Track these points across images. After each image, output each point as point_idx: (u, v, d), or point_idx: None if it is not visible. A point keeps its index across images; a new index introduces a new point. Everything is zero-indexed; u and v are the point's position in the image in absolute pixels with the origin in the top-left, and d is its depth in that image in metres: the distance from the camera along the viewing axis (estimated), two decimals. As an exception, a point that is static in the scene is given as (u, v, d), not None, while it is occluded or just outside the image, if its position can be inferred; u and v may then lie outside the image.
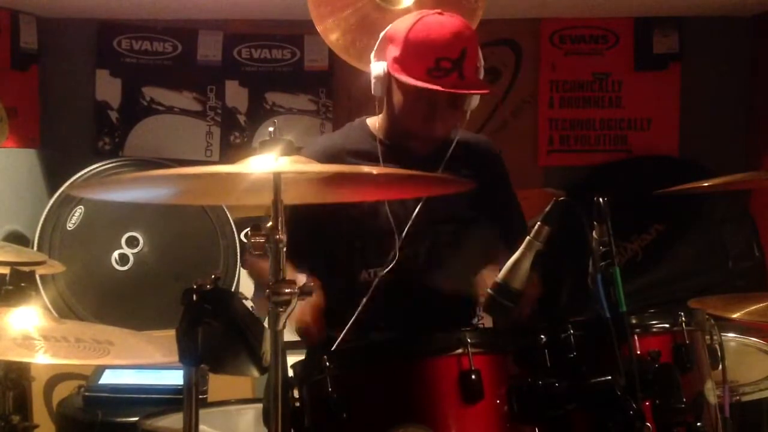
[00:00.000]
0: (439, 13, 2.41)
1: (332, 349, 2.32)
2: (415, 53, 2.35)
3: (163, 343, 2.40)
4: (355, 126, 2.61)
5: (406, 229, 2.42)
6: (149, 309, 3.87)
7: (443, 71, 2.32)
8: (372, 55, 2.49)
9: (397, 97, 2.43)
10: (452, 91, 2.33)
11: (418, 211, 2.42)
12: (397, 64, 2.38)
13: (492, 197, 2.55)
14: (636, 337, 1.91)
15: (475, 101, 2.44)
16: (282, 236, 1.78)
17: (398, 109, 2.44)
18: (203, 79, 4.37)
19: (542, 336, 1.92)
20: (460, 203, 2.48)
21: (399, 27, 2.42)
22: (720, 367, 2.15)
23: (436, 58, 2.32)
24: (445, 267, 2.49)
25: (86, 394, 3.05)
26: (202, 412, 1.94)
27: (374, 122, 2.56)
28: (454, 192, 2.32)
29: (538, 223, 2.00)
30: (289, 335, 1.83)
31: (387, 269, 2.41)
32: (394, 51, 2.40)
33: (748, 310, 2.71)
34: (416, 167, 2.12)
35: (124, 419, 2.85)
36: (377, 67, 2.42)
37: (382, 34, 2.49)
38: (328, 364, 1.86)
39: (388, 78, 2.41)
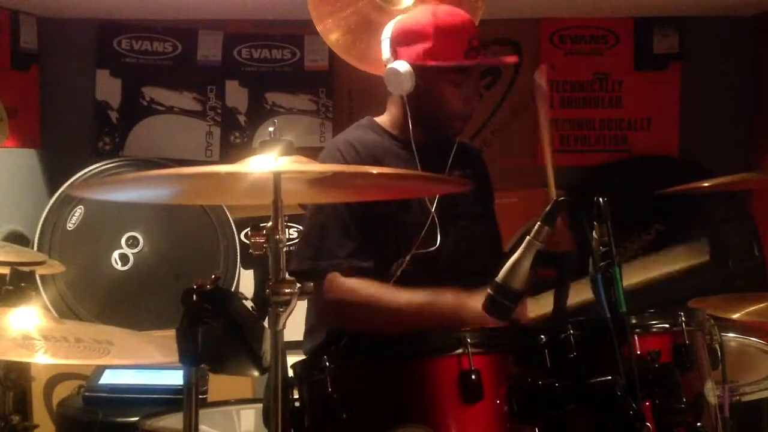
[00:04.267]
0: (439, 2, 2.52)
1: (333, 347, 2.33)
2: (449, 40, 2.44)
3: (163, 343, 2.40)
4: (367, 125, 2.60)
5: (428, 223, 2.44)
6: (149, 309, 3.88)
7: (475, 50, 2.45)
8: (386, 57, 2.51)
9: (433, 87, 2.47)
10: (504, 62, 2.58)
11: (439, 207, 2.45)
12: (431, 56, 2.44)
13: (489, 197, 2.69)
14: (636, 337, 1.91)
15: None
16: (282, 236, 1.78)
17: (435, 98, 2.48)
18: (203, 79, 4.37)
19: (542, 336, 1.92)
20: (468, 201, 2.54)
21: (416, 22, 2.48)
22: (720, 367, 2.15)
23: (468, 39, 2.44)
24: (463, 261, 2.52)
25: (86, 394, 3.05)
26: (202, 412, 1.94)
27: (383, 121, 2.58)
28: (457, 191, 2.44)
29: (538, 223, 2.00)
30: (289, 335, 1.83)
31: (406, 261, 2.43)
32: (421, 45, 2.44)
33: (748, 310, 2.72)
34: (432, 162, 2.43)
35: (124, 419, 2.85)
36: (401, 66, 2.45)
37: (388, 35, 2.52)
38: (328, 364, 1.86)
39: (416, 73, 2.45)
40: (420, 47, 2.45)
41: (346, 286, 2.37)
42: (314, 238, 2.41)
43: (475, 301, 2.20)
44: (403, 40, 2.49)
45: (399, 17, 2.54)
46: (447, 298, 2.33)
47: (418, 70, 2.44)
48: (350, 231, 2.39)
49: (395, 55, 2.49)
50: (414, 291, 2.35)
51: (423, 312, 2.32)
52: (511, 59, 2.56)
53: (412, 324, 2.28)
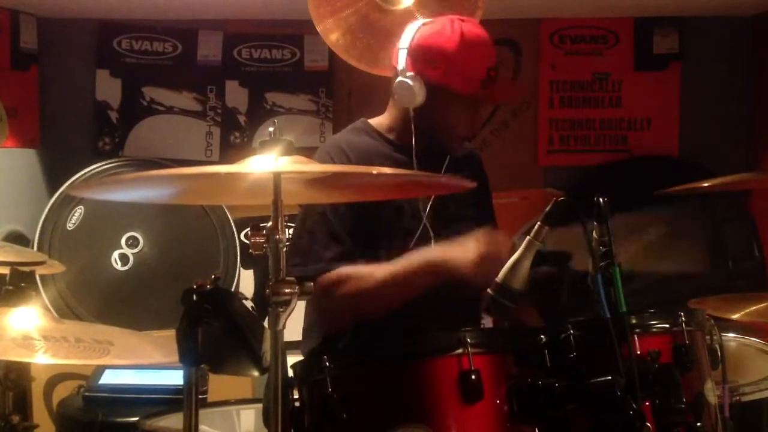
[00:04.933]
0: (462, 20, 2.45)
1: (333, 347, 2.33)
2: (470, 67, 2.42)
3: (163, 343, 2.40)
4: (361, 128, 2.58)
5: (420, 229, 2.43)
6: (149, 309, 3.88)
7: (492, 79, 2.44)
8: (400, 67, 2.45)
9: (444, 107, 2.45)
10: (515, 96, 2.45)
11: (432, 211, 2.44)
12: (448, 78, 2.41)
13: (486, 198, 2.67)
14: (636, 337, 1.91)
15: None
16: (282, 236, 1.78)
17: (441, 117, 2.46)
18: (203, 79, 4.38)
19: (542, 336, 1.92)
20: (464, 203, 2.53)
21: (439, 40, 2.42)
22: (720, 367, 2.15)
23: (486, 68, 2.43)
24: None
25: (86, 394, 3.05)
26: (202, 412, 1.94)
27: (380, 123, 2.56)
28: (455, 192, 2.42)
29: (538, 223, 2.00)
30: (289, 335, 1.83)
31: None
32: (442, 66, 2.41)
33: (748, 310, 2.71)
34: (428, 166, 2.38)
35: (124, 419, 2.85)
36: (413, 80, 2.41)
37: (406, 45, 2.45)
38: (328, 364, 1.86)
39: (428, 90, 2.42)
40: (440, 69, 2.41)
41: (327, 279, 2.34)
42: (302, 245, 2.40)
43: (454, 250, 2.21)
44: (422, 55, 2.43)
45: (421, 27, 2.46)
46: (426, 256, 2.32)
47: (431, 88, 2.42)
48: (337, 236, 2.38)
49: (411, 68, 2.43)
50: (391, 262, 2.34)
51: (406, 278, 2.31)
52: (523, 92, 2.56)
53: (401, 294, 2.29)
